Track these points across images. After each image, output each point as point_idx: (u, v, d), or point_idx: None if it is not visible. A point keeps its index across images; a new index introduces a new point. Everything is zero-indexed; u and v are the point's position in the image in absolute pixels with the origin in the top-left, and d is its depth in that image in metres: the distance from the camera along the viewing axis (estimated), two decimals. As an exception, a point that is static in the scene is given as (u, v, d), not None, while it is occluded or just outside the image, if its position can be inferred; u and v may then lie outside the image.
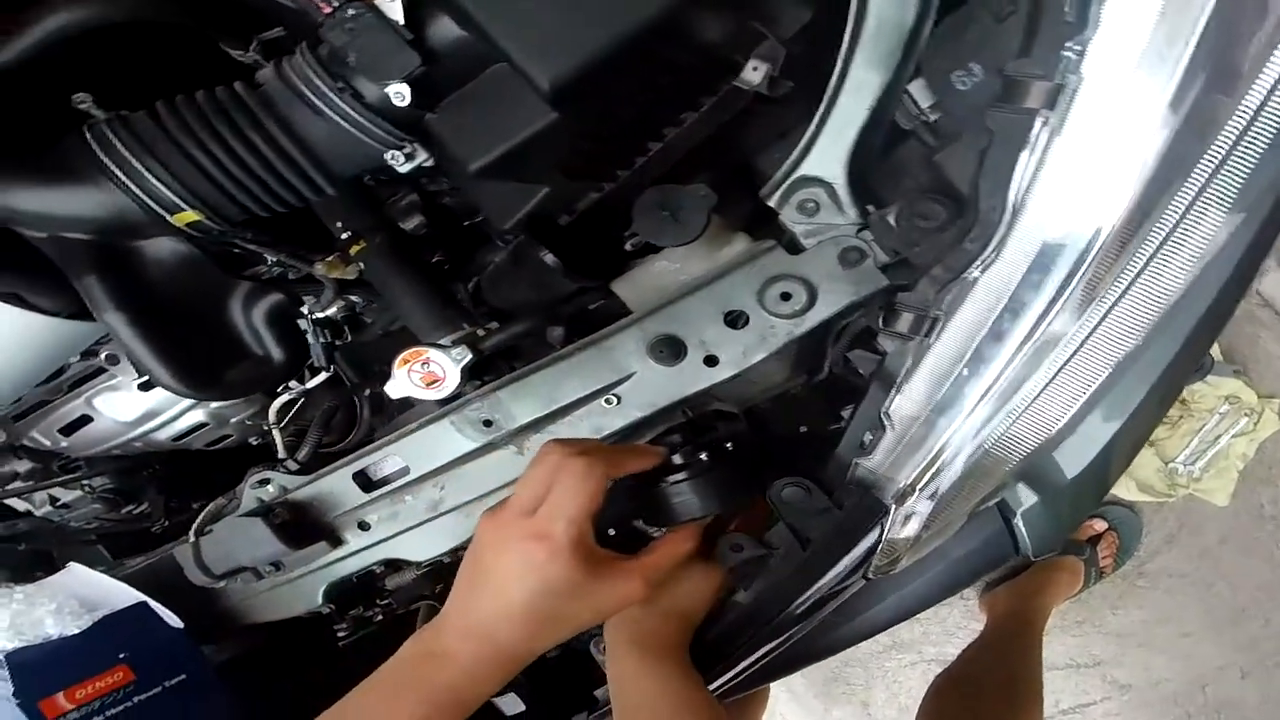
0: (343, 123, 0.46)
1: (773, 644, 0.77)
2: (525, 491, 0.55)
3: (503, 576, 0.54)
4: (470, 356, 0.57)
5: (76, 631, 0.73)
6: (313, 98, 0.46)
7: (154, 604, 0.83)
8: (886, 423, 0.53)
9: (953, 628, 1.91)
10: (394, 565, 0.85)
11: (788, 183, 0.50)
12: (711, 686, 0.79)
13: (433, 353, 0.57)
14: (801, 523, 0.62)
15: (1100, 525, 1.64)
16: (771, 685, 2.13)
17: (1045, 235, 0.42)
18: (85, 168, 0.50)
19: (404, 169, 0.49)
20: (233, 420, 0.82)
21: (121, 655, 0.79)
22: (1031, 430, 0.55)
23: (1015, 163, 0.42)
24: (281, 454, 0.79)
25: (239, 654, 0.98)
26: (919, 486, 0.57)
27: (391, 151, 0.48)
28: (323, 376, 0.72)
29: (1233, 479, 1.53)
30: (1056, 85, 0.40)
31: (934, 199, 0.45)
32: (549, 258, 0.52)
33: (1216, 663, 1.76)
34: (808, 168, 0.49)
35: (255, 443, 0.87)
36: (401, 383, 0.59)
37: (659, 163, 0.53)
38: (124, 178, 0.49)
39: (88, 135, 0.50)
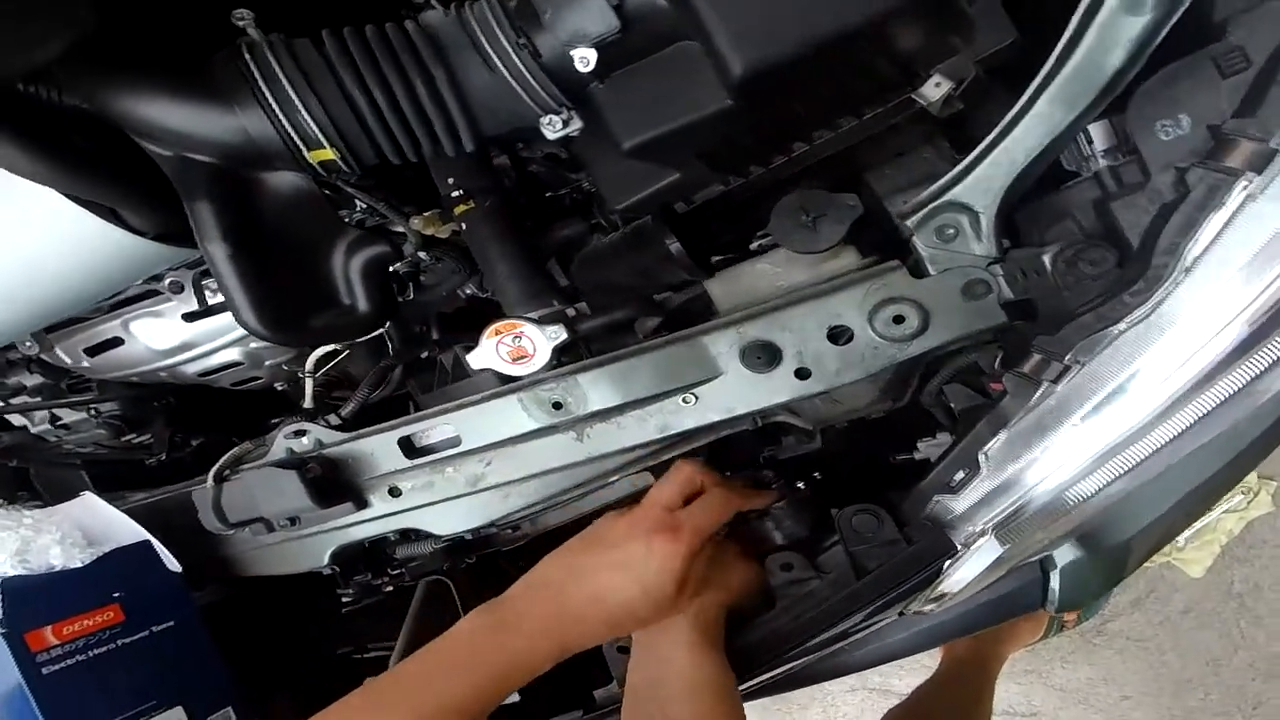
0: (511, 80, 0.42)
1: (789, 664, 0.74)
2: (662, 496, 0.58)
3: (616, 561, 0.55)
4: (565, 336, 0.54)
5: (79, 565, 0.67)
6: (489, 48, 0.42)
7: (158, 544, 0.77)
8: (983, 463, 0.50)
9: (903, 659, 1.91)
10: (409, 535, 0.80)
11: (933, 205, 0.47)
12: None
13: (528, 328, 0.53)
14: (863, 552, 0.60)
15: (1073, 582, 1.65)
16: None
17: (1209, 303, 0.40)
18: (236, 89, 0.45)
19: (554, 135, 0.45)
20: (268, 363, 0.76)
21: (116, 595, 0.74)
22: (1117, 491, 0.53)
23: (1201, 222, 0.40)
24: (309, 403, 0.74)
25: (227, 598, 0.92)
26: (992, 532, 0.55)
27: (549, 116, 0.44)
28: (376, 331, 0.67)
29: (1213, 553, 1.55)
30: (1272, 150, 0.38)
31: (1105, 245, 0.43)
32: (675, 245, 0.49)
33: (1148, 729, 1.79)
34: (960, 193, 0.47)
35: (281, 388, 0.82)
36: (487, 354, 0.55)
37: (796, 165, 0.50)
38: (276, 106, 0.44)
39: (246, 56, 0.45)
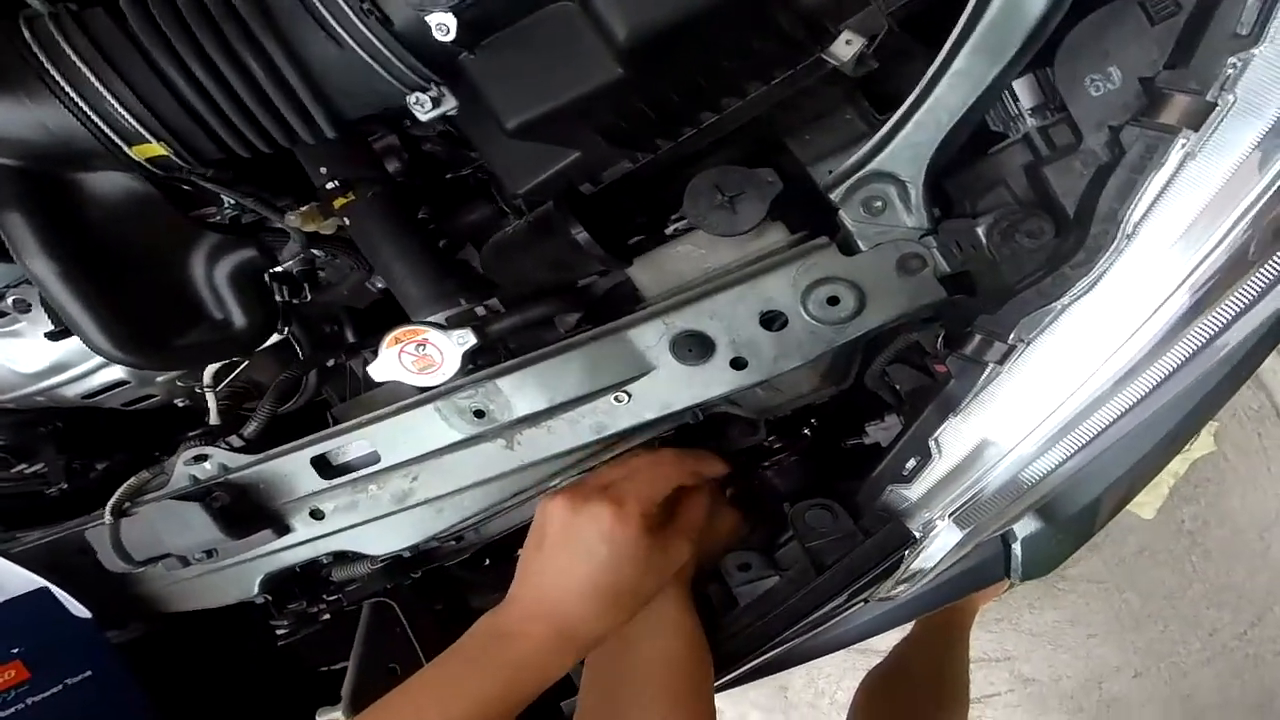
0: (362, 53, 0.35)
1: (761, 655, 0.72)
2: (603, 472, 0.56)
3: (571, 547, 0.53)
4: (474, 341, 0.48)
5: (-40, 624, 0.60)
6: (329, 17, 0.35)
7: (57, 590, 0.70)
8: (935, 450, 0.47)
9: (884, 620, 1.94)
10: (344, 557, 0.75)
11: (857, 176, 0.42)
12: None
13: (431, 334, 0.47)
14: (820, 547, 0.56)
15: (1035, 532, 1.67)
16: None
17: (1154, 271, 0.37)
18: (19, 74, 0.37)
19: (426, 116, 0.38)
20: (159, 379, 0.69)
21: (15, 650, 0.67)
22: (1075, 466, 0.50)
23: (1140, 185, 0.36)
24: (214, 420, 0.67)
25: (151, 633, 0.86)
26: (950, 517, 0.52)
27: (416, 95, 0.38)
28: (275, 339, 0.61)
29: (1162, 495, 1.58)
30: (1208, 103, 0.34)
31: (1041, 215, 0.39)
32: (581, 234, 0.43)
33: (1114, 663, 1.84)
34: (884, 162, 0.41)
35: (182, 404, 0.75)
36: (389, 365, 0.49)
37: (705, 137, 0.44)
38: (72, 94, 0.37)
39: (25, 32, 0.37)
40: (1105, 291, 0.38)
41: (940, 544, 0.54)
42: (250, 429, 0.61)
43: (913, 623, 1.77)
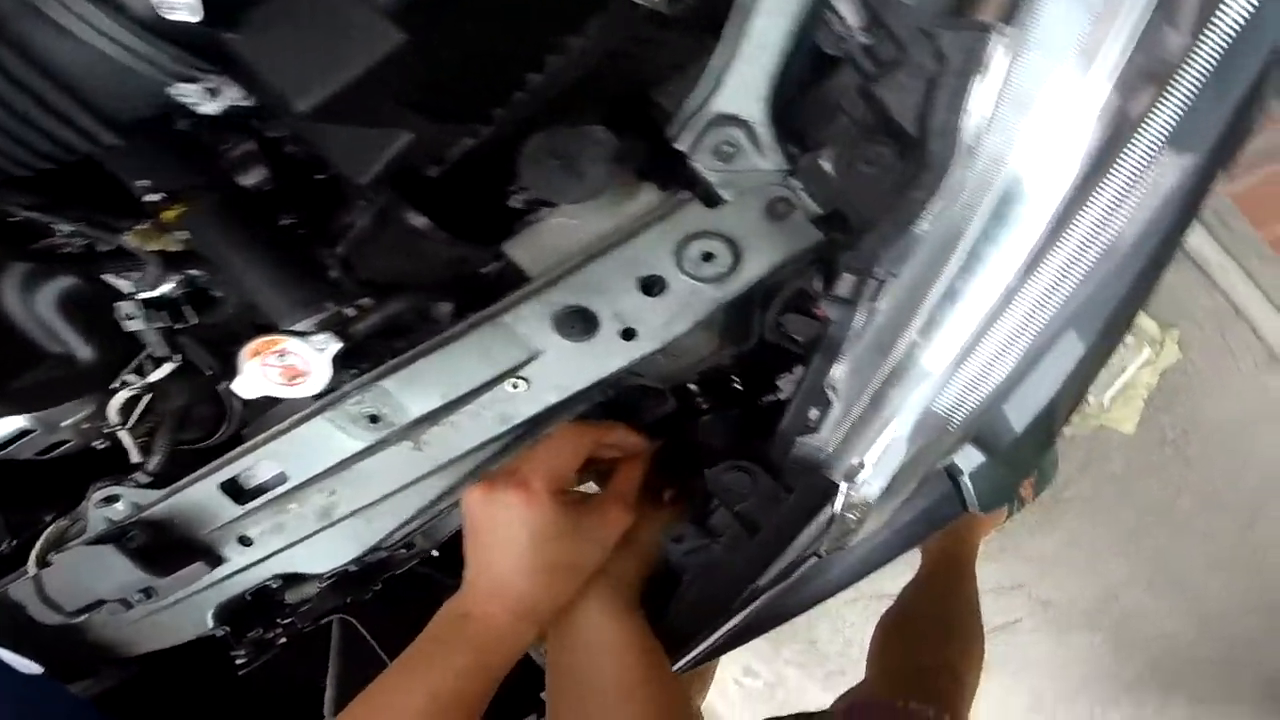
0: (99, 44, 0.32)
1: (728, 623, 0.70)
2: (514, 460, 0.57)
3: (496, 535, 0.54)
4: (338, 345, 0.45)
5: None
6: (58, 11, 0.31)
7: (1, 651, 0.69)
8: (832, 396, 0.44)
9: (886, 567, 1.94)
10: (293, 579, 0.73)
11: (699, 123, 0.39)
12: (676, 667, 0.73)
13: (290, 342, 0.45)
14: (747, 509, 0.54)
15: (1021, 461, 1.65)
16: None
17: (1003, 179, 0.34)
18: None
19: (207, 109, 0.35)
20: (64, 424, 0.66)
21: (-37, 716, 0.66)
22: (986, 392, 0.48)
23: (968, 93, 0.33)
24: (135, 458, 0.65)
25: (123, 681, 0.85)
26: (870, 462, 0.49)
27: (179, 86, 0.34)
28: (168, 367, 0.58)
29: (1138, 409, 1.56)
30: None
31: (878, 140, 0.36)
32: (418, 219, 0.41)
33: (1124, 577, 1.84)
34: (721, 104, 0.39)
35: (103, 446, 0.72)
36: (254, 379, 0.47)
37: (541, 99, 0.41)
38: None
39: None
40: (962, 209, 0.36)
41: (868, 489, 0.52)
42: (153, 463, 0.59)
43: (919, 564, 1.77)
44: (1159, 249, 0.48)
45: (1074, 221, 0.35)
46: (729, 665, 2.22)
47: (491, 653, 0.54)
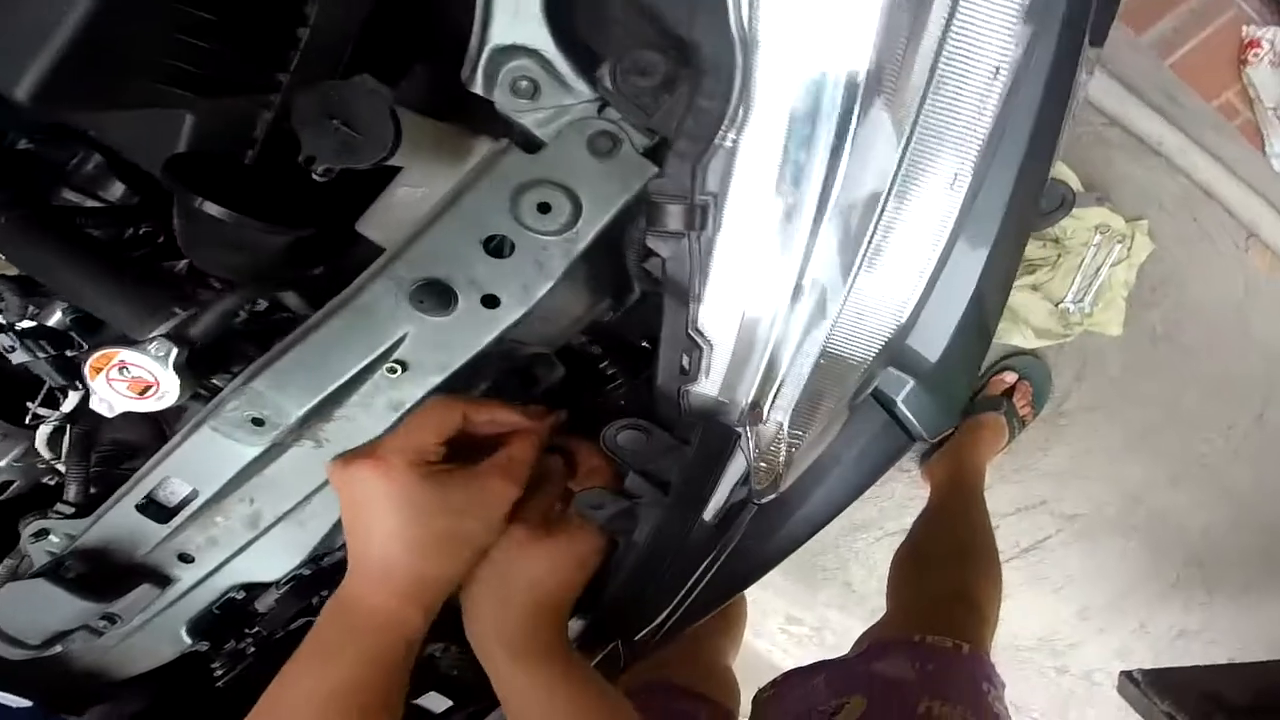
0: None
1: (688, 584, 0.69)
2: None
3: (358, 512, 0.52)
4: (175, 349, 0.44)
5: None
6: None
7: (-23, 693, 0.71)
8: (699, 339, 0.42)
9: (904, 500, 1.92)
10: (254, 588, 0.73)
11: (484, 59, 0.35)
12: (638, 637, 0.72)
13: (127, 354, 0.43)
14: (652, 466, 0.52)
15: (1010, 377, 1.60)
16: (755, 588, 2.16)
17: (797, 71, 0.30)
18: None
19: None
20: (1, 463, 0.67)
21: (-40, 757, 0.68)
22: (873, 317, 0.44)
23: None
24: (72, 495, 0.66)
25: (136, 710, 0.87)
26: (764, 403, 0.47)
27: None
28: (75, 396, 0.58)
29: (1121, 308, 1.49)
30: None
31: (648, 45, 0.32)
32: (212, 208, 0.38)
33: (1146, 479, 1.79)
34: (499, 34, 0.35)
35: (52, 482, 0.73)
36: (108, 396, 0.46)
37: (325, 55, 0.38)
38: None
39: None
40: (771, 112, 0.32)
41: (773, 428, 0.49)
42: (71, 493, 0.59)
43: (927, 497, 1.75)
44: (1036, 133, 0.44)
45: (906, 111, 0.31)
46: (772, 616, 2.23)
47: (375, 637, 0.51)
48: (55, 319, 0.54)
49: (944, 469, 1.64)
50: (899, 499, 1.94)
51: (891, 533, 2.00)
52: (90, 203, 0.52)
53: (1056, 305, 1.49)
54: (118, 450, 0.74)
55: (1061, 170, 1.37)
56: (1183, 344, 1.58)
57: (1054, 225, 1.32)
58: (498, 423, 0.55)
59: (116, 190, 0.52)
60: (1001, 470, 1.90)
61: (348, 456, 0.52)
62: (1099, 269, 1.43)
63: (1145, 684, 1.27)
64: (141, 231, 0.49)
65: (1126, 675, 1.29)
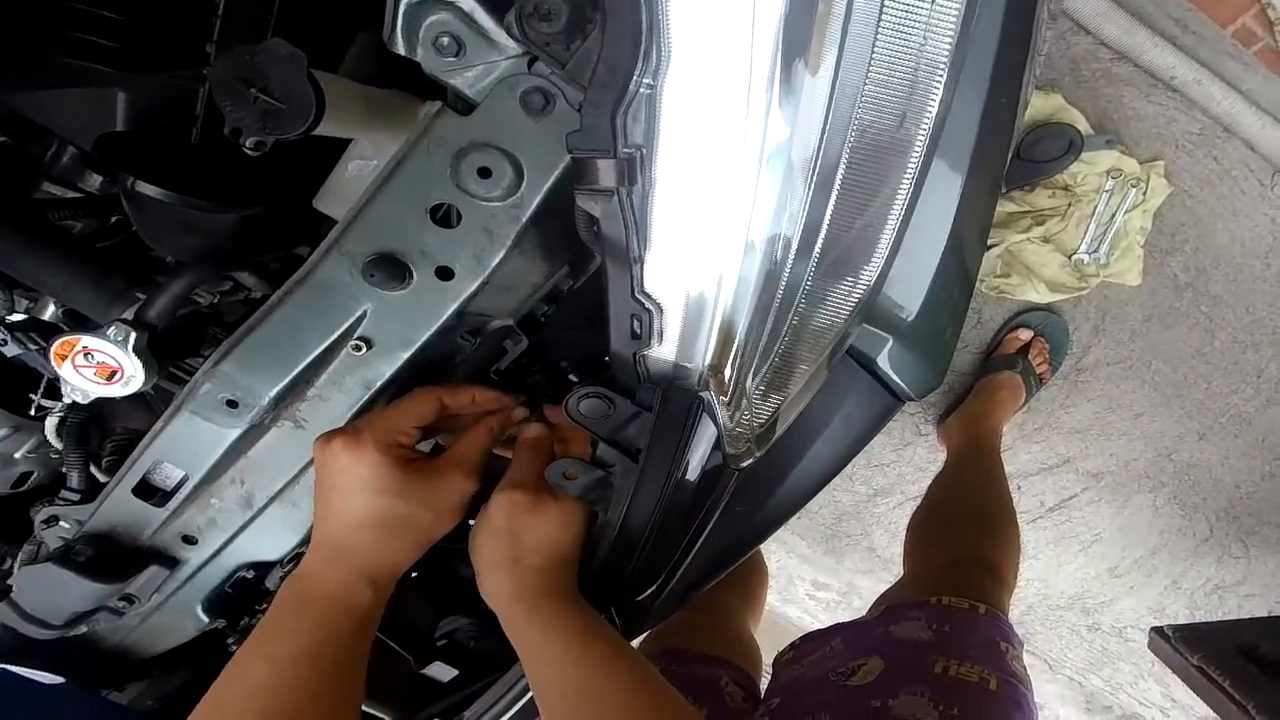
0: None
1: (678, 551, 0.68)
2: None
3: (333, 490, 0.52)
4: (135, 335, 0.44)
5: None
6: None
7: (16, 669, 0.74)
8: (645, 302, 0.40)
9: (923, 464, 1.88)
10: (261, 567, 0.75)
11: (400, 14, 0.34)
12: (637, 601, 0.71)
13: (88, 340, 0.43)
14: (619, 434, 0.51)
15: (1025, 334, 1.54)
16: (781, 556, 2.15)
17: (708, 5, 0.28)
18: None
19: None
20: (16, 455, 0.69)
21: (5, 728, 0.71)
22: (837, 272, 0.42)
23: None
24: (75, 483, 0.67)
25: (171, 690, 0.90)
26: (725, 366, 0.45)
27: None
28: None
29: (1139, 256, 1.39)
30: None
31: None
32: (145, 187, 0.38)
33: (1174, 433, 1.72)
34: None
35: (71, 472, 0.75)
36: (78, 383, 0.46)
37: (250, 24, 0.37)
38: None
39: None
40: (688, 53, 0.30)
41: (740, 393, 0.48)
42: (74, 479, 0.60)
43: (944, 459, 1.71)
44: (1000, 62, 0.41)
45: (834, 39, 0.28)
46: (799, 583, 2.23)
47: (328, 611, 0.51)
48: (49, 313, 0.55)
49: (960, 431, 1.60)
50: (918, 463, 1.90)
51: (912, 497, 1.96)
52: (69, 194, 0.53)
53: (1070, 257, 1.41)
54: (129, 437, 0.76)
55: (1069, 113, 1.28)
56: (1208, 291, 1.49)
57: (1062, 171, 1.24)
58: (477, 404, 0.55)
59: (93, 181, 0.52)
60: (1023, 429, 1.84)
61: (329, 433, 0.52)
62: (1113, 216, 1.34)
63: (1177, 639, 1.23)
64: (113, 221, 0.49)
65: (1157, 630, 1.25)
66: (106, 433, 0.65)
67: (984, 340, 1.65)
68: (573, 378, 0.69)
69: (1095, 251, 1.38)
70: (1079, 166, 1.28)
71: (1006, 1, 0.36)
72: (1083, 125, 1.27)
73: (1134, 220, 1.33)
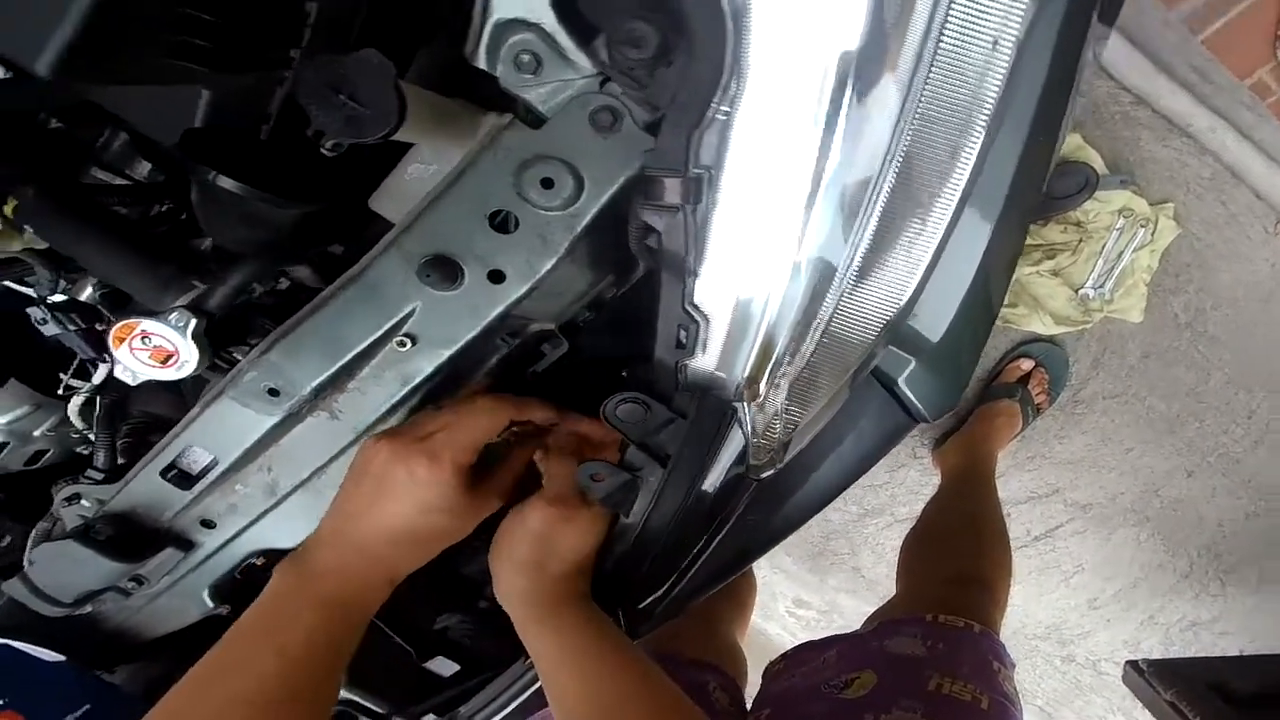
0: None
1: (689, 559, 0.70)
2: (425, 420, 0.55)
3: (384, 493, 0.53)
4: (195, 321, 0.45)
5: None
6: None
7: (18, 645, 0.74)
8: (695, 313, 0.42)
9: (915, 486, 1.91)
10: (275, 555, 0.76)
11: (487, 33, 0.36)
12: (641, 606, 0.73)
13: (148, 324, 0.45)
14: (652, 439, 0.53)
15: (1027, 364, 1.58)
16: (766, 571, 2.17)
17: (788, 43, 0.30)
18: None
19: None
20: (35, 433, 0.70)
21: (3, 701, 0.71)
22: (873, 296, 0.44)
23: None
24: (100, 462, 0.68)
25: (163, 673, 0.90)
26: (761, 379, 0.47)
27: None
28: (104, 368, 0.60)
29: (1143, 294, 1.44)
30: None
31: (640, 17, 0.32)
32: (224, 181, 0.39)
33: (1164, 468, 1.76)
34: (501, 8, 0.35)
35: (85, 452, 0.76)
36: (132, 365, 0.47)
37: (338, 30, 0.39)
38: None
39: None
40: (763, 85, 0.32)
41: (771, 405, 0.50)
42: (100, 459, 0.61)
43: (938, 483, 1.74)
44: (1041, 109, 0.43)
45: (901, 84, 0.31)
46: (781, 599, 2.24)
47: (344, 609, 0.52)
48: (86, 294, 0.56)
49: (956, 455, 1.63)
50: (911, 485, 1.93)
51: (902, 519, 1.99)
52: (119, 180, 0.54)
53: (1076, 291, 1.45)
54: (147, 421, 0.77)
55: (1086, 151, 1.33)
56: (1206, 332, 1.54)
57: (1077, 208, 1.29)
58: (536, 420, 0.57)
59: (143, 168, 0.53)
60: (1015, 457, 1.87)
61: (403, 440, 0.52)
62: (1121, 254, 1.38)
63: (1150, 673, 1.26)
64: (165, 208, 0.50)
65: (1132, 664, 1.28)
66: (124, 416, 0.66)
67: (986, 367, 1.69)
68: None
69: (1101, 287, 1.42)
70: (1092, 204, 1.33)
71: (1054, 44, 0.39)
72: (1099, 164, 1.32)
73: (1141, 259, 1.37)
